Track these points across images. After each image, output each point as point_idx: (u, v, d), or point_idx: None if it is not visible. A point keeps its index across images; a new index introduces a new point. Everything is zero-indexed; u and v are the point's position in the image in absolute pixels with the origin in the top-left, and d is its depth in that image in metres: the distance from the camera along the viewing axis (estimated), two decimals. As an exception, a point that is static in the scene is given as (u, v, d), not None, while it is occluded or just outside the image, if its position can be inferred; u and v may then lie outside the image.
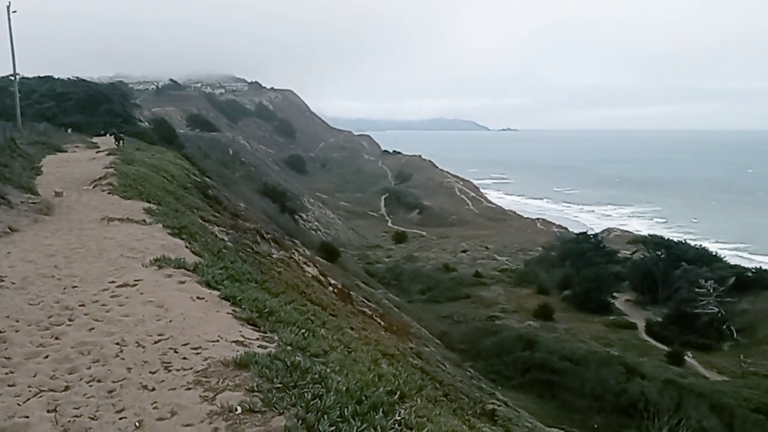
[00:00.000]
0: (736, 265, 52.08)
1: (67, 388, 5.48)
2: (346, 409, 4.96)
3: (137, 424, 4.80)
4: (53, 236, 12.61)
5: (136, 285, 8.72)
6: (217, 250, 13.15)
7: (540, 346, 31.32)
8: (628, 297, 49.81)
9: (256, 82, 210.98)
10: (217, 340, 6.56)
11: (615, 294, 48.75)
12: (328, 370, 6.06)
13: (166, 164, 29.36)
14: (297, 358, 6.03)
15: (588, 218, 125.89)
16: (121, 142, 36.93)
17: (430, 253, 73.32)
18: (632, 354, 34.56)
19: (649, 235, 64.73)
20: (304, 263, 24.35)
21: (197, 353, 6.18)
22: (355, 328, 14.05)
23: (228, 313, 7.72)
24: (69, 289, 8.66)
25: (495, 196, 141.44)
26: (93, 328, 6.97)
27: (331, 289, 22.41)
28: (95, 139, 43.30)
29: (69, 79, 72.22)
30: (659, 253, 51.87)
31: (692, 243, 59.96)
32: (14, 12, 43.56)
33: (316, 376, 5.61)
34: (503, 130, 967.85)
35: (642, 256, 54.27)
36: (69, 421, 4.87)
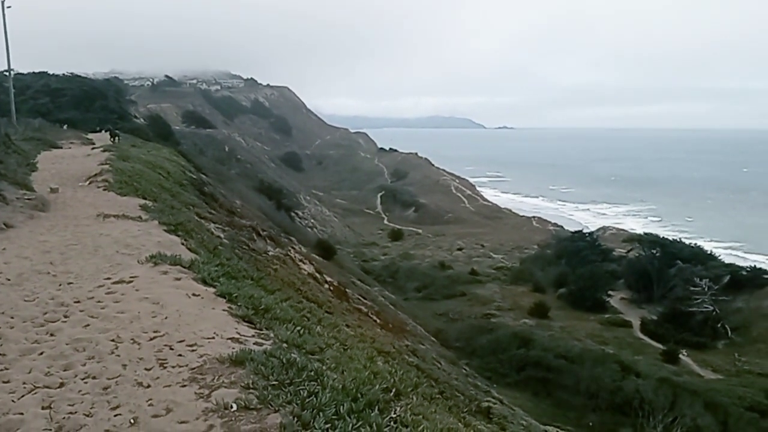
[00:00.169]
0: (730, 264, 52.21)
1: (61, 384, 5.47)
2: (341, 407, 4.96)
3: (132, 421, 4.79)
4: (48, 233, 12.58)
5: (131, 282, 8.71)
6: (213, 247, 13.13)
7: (535, 344, 31.36)
8: (624, 295, 49.91)
9: (252, 78, 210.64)
10: (213, 337, 6.55)
11: (610, 292, 48.82)
12: (324, 367, 6.06)
13: (162, 161, 29.31)
14: (293, 355, 6.03)
15: (583, 216, 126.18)
16: (116, 138, 36.84)
17: (426, 250, 73.34)
18: (627, 352, 34.60)
19: (645, 234, 64.89)
20: (300, 260, 24.35)
21: (193, 350, 6.17)
22: (350, 325, 14.05)
23: (224, 310, 7.72)
24: (64, 285, 8.64)
25: (491, 194, 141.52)
26: (88, 325, 6.95)
27: (326, 286, 22.41)
28: (90, 136, 43.09)
29: (64, 74, 71.80)
30: (654, 251, 51.96)
31: (687, 242, 60.11)
32: (9, 7, 43.43)
33: (312, 373, 5.60)
34: (499, 128, 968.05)
35: (637, 255, 54.38)
36: (64, 418, 4.86)
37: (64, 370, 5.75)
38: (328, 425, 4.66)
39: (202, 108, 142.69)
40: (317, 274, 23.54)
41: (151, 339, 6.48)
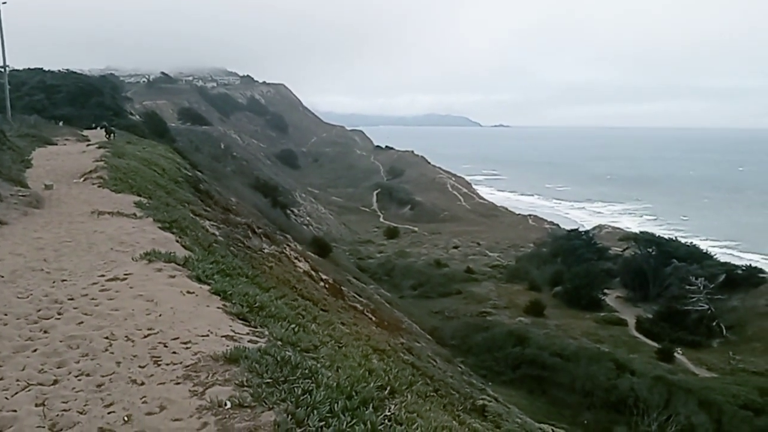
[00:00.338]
0: (726, 263, 52.36)
1: (55, 382, 5.45)
2: (336, 405, 4.95)
3: (126, 418, 4.77)
4: (43, 229, 12.54)
5: (125, 279, 8.68)
6: (207, 244, 13.10)
7: (531, 342, 31.41)
8: (619, 294, 50.04)
9: (248, 76, 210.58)
10: (207, 335, 6.54)
11: (606, 291, 48.92)
12: (319, 365, 6.05)
13: (157, 158, 29.25)
14: (287, 353, 6.01)
15: (579, 215, 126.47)
16: (111, 135, 36.72)
17: (422, 248, 73.38)
18: (622, 350, 34.69)
19: (640, 233, 65.02)
20: (296, 258, 24.32)
21: (187, 348, 6.16)
22: (346, 323, 14.04)
23: (218, 308, 7.70)
24: (58, 282, 8.61)
25: (487, 192, 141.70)
26: (82, 322, 6.93)
27: (322, 284, 22.40)
28: (86, 132, 42.96)
29: (59, 71, 71.66)
30: (650, 250, 52.09)
31: (683, 240, 60.28)
32: (4, 3, 43.22)
33: (307, 371, 5.59)
34: (495, 126, 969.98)
35: (633, 253, 54.50)
36: (57, 415, 4.84)
37: (58, 368, 5.73)
38: (323, 423, 4.64)
39: (198, 105, 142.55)
40: (312, 272, 23.52)
41: (145, 336, 6.46)
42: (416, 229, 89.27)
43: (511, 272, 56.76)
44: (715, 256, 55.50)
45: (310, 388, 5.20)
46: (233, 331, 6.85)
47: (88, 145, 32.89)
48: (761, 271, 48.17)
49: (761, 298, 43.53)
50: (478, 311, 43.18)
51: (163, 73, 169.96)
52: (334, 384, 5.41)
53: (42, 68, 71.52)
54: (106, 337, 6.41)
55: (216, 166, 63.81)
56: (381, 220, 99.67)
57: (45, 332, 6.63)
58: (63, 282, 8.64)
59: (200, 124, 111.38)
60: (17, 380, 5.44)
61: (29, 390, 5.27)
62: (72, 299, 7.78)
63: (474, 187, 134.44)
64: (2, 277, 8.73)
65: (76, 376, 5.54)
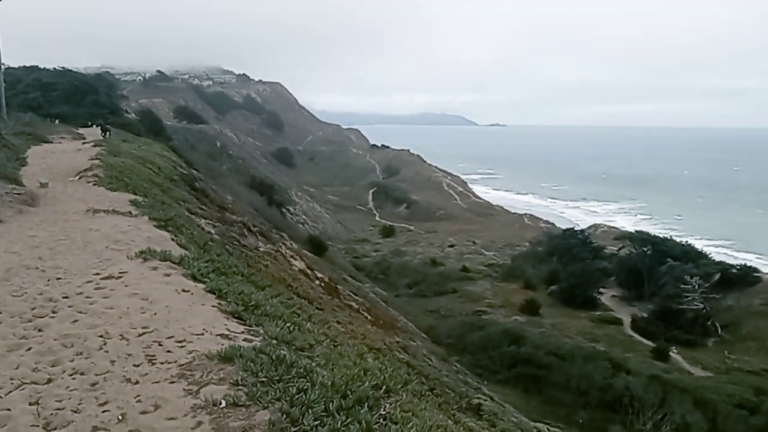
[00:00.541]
0: (721, 262, 52.55)
1: (49, 380, 5.43)
2: (331, 404, 4.95)
3: (120, 417, 4.76)
4: (38, 227, 12.49)
5: (120, 277, 8.66)
6: (203, 242, 13.07)
7: (526, 341, 31.47)
8: (614, 293, 50.14)
9: (244, 74, 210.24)
10: (202, 334, 6.52)
11: (601, 290, 49.03)
12: (314, 364, 6.04)
13: (153, 156, 29.17)
14: (282, 351, 6.00)
15: (574, 214, 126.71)
16: (107, 133, 36.66)
17: (418, 247, 73.42)
18: (618, 349, 34.77)
19: (636, 232, 65.17)
20: (291, 257, 24.31)
21: (182, 346, 6.14)
22: (341, 322, 14.04)
23: (213, 307, 7.68)
24: (53, 280, 8.58)
25: (482, 191, 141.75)
26: (77, 321, 6.90)
27: (317, 282, 22.40)
28: (81, 131, 42.86)
29: (55, 69, 71.55)
30: (645, 249, 52.22)
31: (678, 240, 60.44)
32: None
33: (302, 370, 5.59)
34: (491, 125, 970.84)
35: (628, 253, 54.64)
36: (51, 414, 4.83)
37: (52, 366, 5.71)
38: (317, 422, 4.64)
39: (194, 103, 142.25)
40: (308, 271, 23.52)
41: (139, 335, 6.44)
42: (412, 227, 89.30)
43: (506, 271, 56.80)
44: (710, 256, 55.67)
45: (305, 387, 5.19)
46: (228, 329, 6.83)
47: (83, 143, 32.78)
48: (756, 270, 48.39)
49: (756, 297, 43.69)
50: (474, 310, 43.24)
51: (158, 71, 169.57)
52: (329, 383, 5.41)
53: (37, 66, 71.40)
54: (101, 336, 6.39)
55: (212, 165, 63.67)
56: (377, 218, 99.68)
57: (39, 330, 6.60)
58: (58, 280, 8.60)
59: (196, 123, 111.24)
60: (11, 379, 5.41)
61: (23, 389, 5.25)
62: (67, 297, 7.75)
63: (470, 185, 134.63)
64: (-4, 275, 8.70)
65: (71, 375, 5.52)
